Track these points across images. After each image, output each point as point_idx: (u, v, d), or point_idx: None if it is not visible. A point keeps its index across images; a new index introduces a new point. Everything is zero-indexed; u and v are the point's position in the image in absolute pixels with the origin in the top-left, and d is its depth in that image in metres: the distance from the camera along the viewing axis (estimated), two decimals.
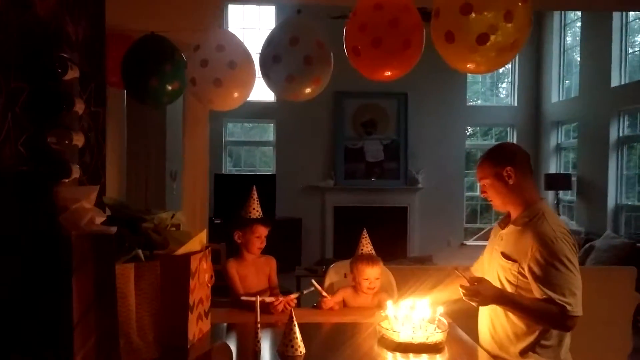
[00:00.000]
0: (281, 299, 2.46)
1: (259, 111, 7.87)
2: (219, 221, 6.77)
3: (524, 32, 1.86)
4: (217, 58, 2.27)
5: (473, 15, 1.73)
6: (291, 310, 1.89)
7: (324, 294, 2.56)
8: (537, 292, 1.88)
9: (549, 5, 3.86)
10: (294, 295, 2.53)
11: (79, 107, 1.80)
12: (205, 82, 2.29)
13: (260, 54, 2.29)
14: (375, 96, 7.84)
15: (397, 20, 1.90)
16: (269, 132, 8.48)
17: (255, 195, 2.59)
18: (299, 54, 2.16)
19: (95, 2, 2.27)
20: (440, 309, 2.04)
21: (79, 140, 1.82)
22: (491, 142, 9.00)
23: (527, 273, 1.91)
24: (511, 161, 2.01)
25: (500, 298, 1.93)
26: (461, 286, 1.93)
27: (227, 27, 7.94)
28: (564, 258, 1.86)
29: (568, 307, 1.83)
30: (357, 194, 7.97)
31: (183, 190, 3.63)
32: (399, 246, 7.87)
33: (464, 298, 1.94)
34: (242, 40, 2.54)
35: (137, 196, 4.94)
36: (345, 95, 7.83)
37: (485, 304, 1.95)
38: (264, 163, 8.64)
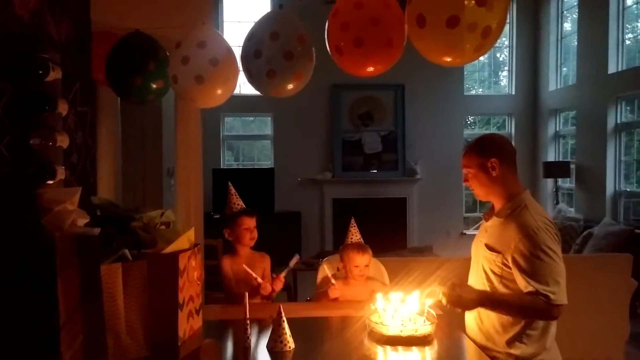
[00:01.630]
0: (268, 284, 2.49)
1: (256, 105, 7.85)
2: (217, 216, 6.78)
3: (498, 22, 1.84)
4: (198, 55, 2.26)
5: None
6: (279, 306, 1.89)
7: (333, 281, 2.57)
8: (520, 282, 1.89)
9: None
10: (282, 274, 2.56)
11: (62, 108, 1.80)
12: (187, 79, 2.28)
13: (242, 49, 2.28)
14: (372, 88, 7.81)
15: (378, 19, 1.89)
16: (268, 125, 8.47)
17: (232, 191, 2.61)
18: (280, 49, 2.15)
19: (79, 0, 2.26)
20: (429, 301, 2.04)
21: (63, 141, 1.82)
22: (491, 131, 8.98)
23: (511, 264, 1.91)
24: (496, 153, 2.01)
25: (483, 300, 1.94)
26: (443, 293, 1.94)
27: (223, 22, 7.90)
28: (547, 248, 1.87)
29: (552, 296, 1.84)
30: (355, 186, 7.97)
31: (177, 186, 3.63)
32: (398, 237, 7.88)
33: (446, 305, 1.94)
34: (229, 35, 2.52)
35: (134, 194, 4.95)
36: (341, 88, 7.81)
37: (469, 308, 1.97)
38: (265, 156, 8.64)
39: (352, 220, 2.70)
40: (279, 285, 2.52)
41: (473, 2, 1.74)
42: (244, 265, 2.49)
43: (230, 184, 2.61)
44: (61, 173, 1.79)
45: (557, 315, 1.89)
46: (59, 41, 2.00)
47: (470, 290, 1.94)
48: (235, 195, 2.62)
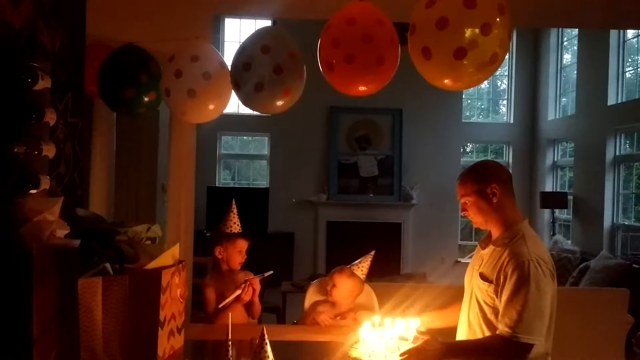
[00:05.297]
0: (243, 286, 2.46)
1: (253, 124, 7.87)
2: (209, 234, 6.72)
3: (503, 46, 1.83)
4: (191, 68, 2.25)
5: (449, 29, 1.70)
6: (262, 328, 1.84)
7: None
8: (500, 311, 1.84)
9: (529, 22, 3.77)
10: (258, 278, 2.52)
11: (50, 118, 1.77)
12: (179, 93, 2.27)
13: (232, 61, 2.27)
14: (370, 112, 7.82)
15: (370, 36, 1.88)
16: (265, 145, 8.47)
17: (234, 209, 2.55)
18: (270, 62, 2.13)
19: (74, 11, 2.25)
20: (417, 323, 1.99)
21: (49, 150, 1.78)
22: (488, 158, 8.98)
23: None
24: (495, 178, 1.95)
25: (446, 351, 1.83)
26: (400, 354, 1.82)
27: (224, 41, 7.95)
28: (533, 282, 1.79)
29: (520, 334, 1.77)
30: (350, 209, 7.93)
31: (168, 202, 3.58)
32: (392, 262, 7.81)
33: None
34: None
35: (128, 208, 4.90)
36: (339, 111, 7.82)
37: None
38: (261, 176, 8.62)
39: (371, 252, 2.66)
40: (256, 284, 2.48)
41: (478, 31, 1.72)
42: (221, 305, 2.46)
43: (234, 201, 2.56)
44: (45, 183, 1.75)
45: (525, 355, 1.79)
46: (52, 50, 1.98)
47: (431, 344, 1.83)
48: (236, 214, 2.57)
